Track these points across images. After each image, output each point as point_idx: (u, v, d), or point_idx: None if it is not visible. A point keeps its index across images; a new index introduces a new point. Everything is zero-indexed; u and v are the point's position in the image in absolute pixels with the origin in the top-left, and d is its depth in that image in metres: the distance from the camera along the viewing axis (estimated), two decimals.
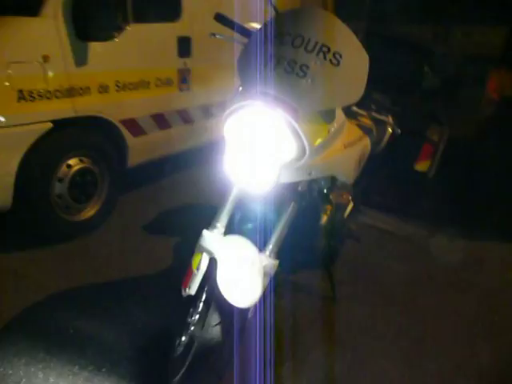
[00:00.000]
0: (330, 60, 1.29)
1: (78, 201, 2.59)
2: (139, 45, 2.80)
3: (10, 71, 2.13)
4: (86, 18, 2.34)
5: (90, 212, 2.68)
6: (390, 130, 2.33)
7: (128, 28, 2.68)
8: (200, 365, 1.50)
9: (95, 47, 2.49)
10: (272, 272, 1.54)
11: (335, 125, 1.36)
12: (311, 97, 1.30)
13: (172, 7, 3.05)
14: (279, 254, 1.56)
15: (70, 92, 2.40)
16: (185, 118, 3.31)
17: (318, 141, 1.32)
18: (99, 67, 2.54)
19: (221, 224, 1.52)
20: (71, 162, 2.51)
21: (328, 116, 1.34)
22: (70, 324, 1.91)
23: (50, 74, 2.29)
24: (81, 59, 2.42)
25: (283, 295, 2.20)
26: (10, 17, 2.20)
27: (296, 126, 1.28)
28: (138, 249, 2.57)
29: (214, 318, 1.43)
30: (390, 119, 2.36)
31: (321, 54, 1.29)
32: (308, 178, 1.40)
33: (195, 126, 3.41)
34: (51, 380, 1.64)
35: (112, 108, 2.67)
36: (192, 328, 1.47)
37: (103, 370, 1.70)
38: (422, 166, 2.36)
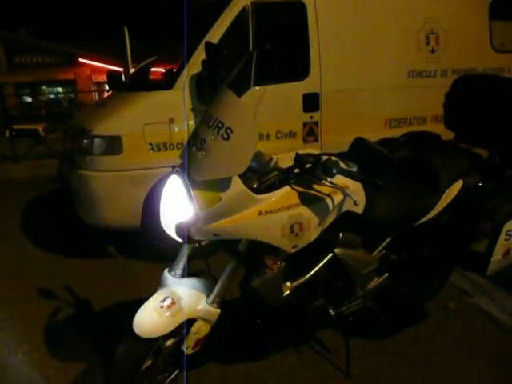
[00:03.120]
0: (222, 135, 1.47)
1: None
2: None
3: (144, 130, 2.96)
4: (207, 88, 2.96)
5: None
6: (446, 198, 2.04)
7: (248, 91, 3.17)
8: None
9: None
10: (213, 319, 1.74)
11: (229, 193, 1.48)
12: (203, 167, 1.50)
13: (298, 68, 3.38)
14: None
15: None
16: None
17: (209, 206, 1.49)
18: None
19: (178, 266, 1.81)
20: None
21: (221, 185, 1.49)
22: None
23: (174, 131, 3.03)
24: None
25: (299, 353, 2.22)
26: (151, 92, 3.06)
27: (184, 191, 1.50)
28: None
29: None
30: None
31: (216, 130, 1.49)
32: (215, 238, 1.55)
33: None
34: None
35: None
36: None
37: None
38: (477, 246, 1.92)
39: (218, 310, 1.74)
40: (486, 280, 2.82)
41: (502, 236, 1.86)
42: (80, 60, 20.16)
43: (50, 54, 19.74)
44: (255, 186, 1.61)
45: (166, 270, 1.83)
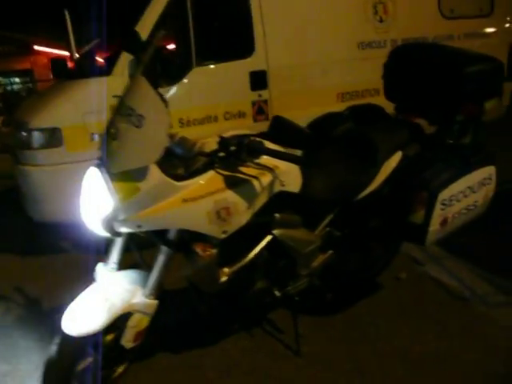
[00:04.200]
0: (134, 122, 1.40)
1: None
2: (204, 84, 3.16)
3: (85, 119, 2.84)
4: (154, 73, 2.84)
5: None
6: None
7: (190, 73, 3.08)
8: None
9: None
10: (150, 312, 1.70)
11: (147, 183, 1.42)
12: (118, 157, 1.45)
13: (242, 46, 3.28)
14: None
15: None
16: None
17: (128, 197, 1.43)
18: None
19: (112, 259, 1.75)
20: None
21: (139, 175, 1.43)
22: None
23: None
24: None
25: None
26: (90, 78, 2.93)
27: (102, 184, 1.44)
28: None
29: None
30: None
31: (128, 117, 1.42)
32: (138, 229, 1.51)
33: None
34: None
35: None
36: None
37: None
38: (415, 218, 1.93)
39: (156, 302, 1.70)
40: (438, 248, 2.88)
41: (438, 205, 1.86)
42: (35, 48, 19.31)
43: (2, 43, 18.82)
44: (179, 172, 1.56)
45: (101, 264, 1.77)
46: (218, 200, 1.54)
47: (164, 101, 1.69)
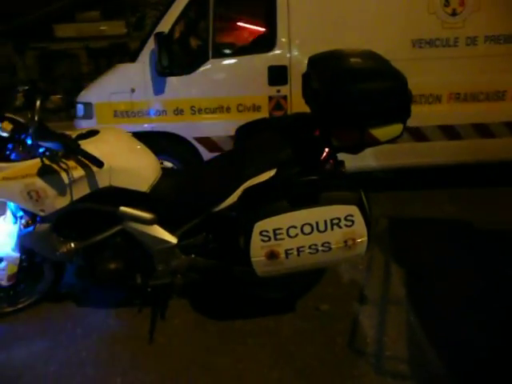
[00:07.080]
0: None
1: None
2: (217, 76, 3.29)
3: (110, 98, 3.35)
4: (162, 62, 3.13)
5: None
6: None
7: (205, 64, 3.24)
8: None
9: (172, 80, 3.27)
10: (15, 262, 2.13)
11: None
12: None
13: (262, 40, 3.24)
14: None
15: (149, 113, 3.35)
16: None
17: None
18: (174, 95, 3.31)
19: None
20: None
21: None
22: None
23: (135, 100, 3.33)
24: (158, 90, 3.30)
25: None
26: (120, 64, 3.41)
27: None
28: None
29: None
30: None
31: None
32: None
33: None
34: None
35: (186, 127, 3.37)
36: None
37: None
38: (240, 242, 1.77)
39: (17, 255, 2.11)
40: (405, 292, 2.47)
41: (256, 236, 1.67)
42: None
43: None
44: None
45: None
46: (28, 183, 1.81)
47: None
